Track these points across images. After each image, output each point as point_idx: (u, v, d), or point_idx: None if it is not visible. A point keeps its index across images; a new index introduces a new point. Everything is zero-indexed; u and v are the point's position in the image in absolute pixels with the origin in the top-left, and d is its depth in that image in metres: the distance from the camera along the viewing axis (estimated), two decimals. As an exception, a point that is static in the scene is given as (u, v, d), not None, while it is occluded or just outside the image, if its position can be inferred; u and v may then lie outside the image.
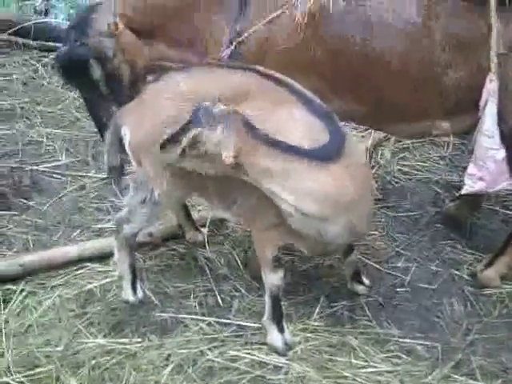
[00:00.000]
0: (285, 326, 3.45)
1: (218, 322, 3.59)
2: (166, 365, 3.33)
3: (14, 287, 3.76)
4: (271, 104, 3.22)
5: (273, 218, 3.22)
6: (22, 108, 5.50)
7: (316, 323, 3.59)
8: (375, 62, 3.55)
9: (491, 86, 3.46)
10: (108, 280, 3.82)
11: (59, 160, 4.92)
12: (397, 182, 4.78)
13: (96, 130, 4.63)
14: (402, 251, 4.13)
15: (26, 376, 3.26)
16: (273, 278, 3.38)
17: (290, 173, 3.03)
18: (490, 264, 3.85)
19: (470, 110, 3.56)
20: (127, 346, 3.42)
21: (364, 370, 3.32)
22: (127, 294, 3.67)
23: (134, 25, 3.71)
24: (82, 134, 5.21)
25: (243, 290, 3.80)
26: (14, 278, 3.80)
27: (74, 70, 3.70)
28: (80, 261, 3.93)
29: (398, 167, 4.93)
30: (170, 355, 3.38)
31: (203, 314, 3.64)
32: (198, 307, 3.68)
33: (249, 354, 3.40)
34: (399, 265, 4.02)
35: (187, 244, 4.11)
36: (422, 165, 4.97)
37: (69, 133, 5.23)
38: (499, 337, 3.54)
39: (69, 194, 4.58)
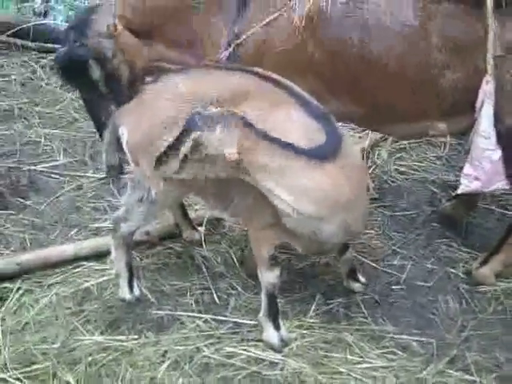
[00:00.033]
0: (281, 323, 3.46)
1: (214, 319, 3.60)
2: (163, 361, 3.35)
3: (11, 285, 3.77)
4: (269, 105, 3.23)
5: (269, 217, 3.24)
6: (20, 109, 5.51)
7: (312, 320, 3.61)
8: (372, 63, 3.57)
9: (487, 87, 3.47)
10: (105, 278, 3.84)
11: (57, 160, 4.93)
12: (393, 182, 4.80)
13: (94, 130, 4.66)
14: (398, 249, 4.15)
15: (22, 373, 3.28)
16: (269, 277, 3.40)
17: (287, 171, 3.06)
18: (485, 262, 3.87)
19: (466, 112, 3.58)
20: (124, 343, 3.44)
21: (359, 366, 3.34)
22: (124, 292, 3.69)
23: (133, 26, 3.73)
24: (80, 134, 5.22)
25: (239, 288, 3.81)
26: (11, 277, 3.81)
27: (73, 71, 3.71)
28: (76, 259, 3.94)
29: (395, 167, 4.95)
30: (166, 352, 3.40)
31: (200, 312, 3.65)
32: (194, 305, 3.70)
33: (245, 350, 3.42)
34: (395, 263, 4.04)
35: (184, 243, 4.12)
36: (419, 165, 4.99)
37: (67, 133, 5.24)
38: (494, 333, 3.56)
39: (66, 193, 4.59)
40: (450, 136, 4.68)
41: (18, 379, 3.25)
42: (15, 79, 5.91)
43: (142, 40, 3.78)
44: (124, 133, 3.42)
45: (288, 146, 3.06)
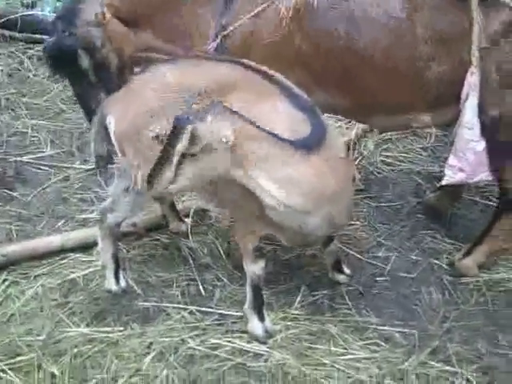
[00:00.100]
0: (265, 315, 3.49)
1: (199, 311, 3.63)
2: (148, 353, 3.38)
3: (-3, 277, 3.80)
4: (256, 96, 3.25)
5: (254, 209, 3.24)
6: (7, 99, 5.51)
7: (297, 312, 3.64)
8: (359, 55, 3.58)
9: (472, 79, 3.50)
10: (91, 270, 3.86)
11: (44, 151, 4.93)
12: (379, 173, 4.82)
13: (82, 121, 4.71)
14: (382, 241, 4.18)
15: (7, 364, 3.30)
16: (254, 268, 3.42)
17: (272, 161, 3.04)
18: (468, 253, 3.90)
19: (451, 103, 3.60)
20: (109, 335, 3.47)
21: (343, 357, 3.38)
22: (110, 284, 3.71)
23: (121, 14, 3.74)
24: (67, 125, 5.22)
25: (225, 280, 3.84)
26: (-4, 268, 3.83)
27: (62, 60, 3.72)
28: (63, 251, 3.96)
29: (381, 158, 4.97)
30: (151, 343, 3.43)
31: (185, 303, 3.68)
32: (180, 296, 3.72)
33: (230, 341, 3.45)
34: (380, 254, 4.07)
35: (171, 234, 4.15)
36: (405, 156, 5.01)
37: (54, 124, 5.24)
38: (475, 324, 3.60)
39: (53, 184, 4.60)
40: (435, 128, 4.70)
41: (2, 371, 3.27)
42: (2, 70, 5.90)
43: (131, 28, 3.79)
44: (111, 122, 3.43)
45: (274, 136, 3.06)
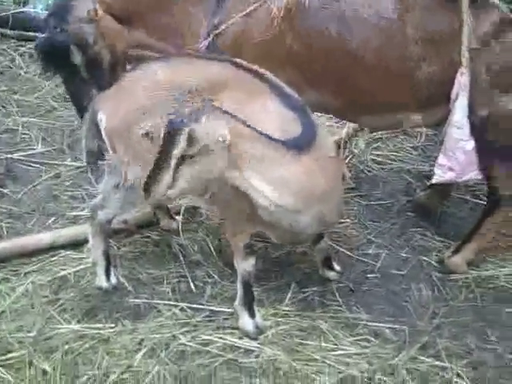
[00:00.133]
0: (256, 311, 3.50)
1: (190, 308, 3.64)
2: (139, 349, 3.38)
3: (-13, 274, 3.79)
4: (247, 95, 3.26)
5: (245, 208, 3.25)
6: (-2, 97, 5.51)
7: (287, 308, 3.65)
8: (350, 55, 3.61)
9: (462, 79, 3.53)
10: (82, 267, 3.86)
11: (35, 148, 4.92)
12: (370, 172, 4.85)
13: (73, 118, 4.71)
14: (373, 238, 4.20)
15: (-2, 361, 3.31)
16: (244, 265, 3.43)
17: (264, 161, 3.05)
18: (457, 251, 3.93)
19: (441, 103, 3.63)
20: (100, 331, 3.47)
21: (333, 353, 3.40)
22: (101, 280, 3.71)
23: (114, 11, 3.75)
24: (59, 123, 5.21)
25: (216, 276, 3.85)
26: (-13, 265, 3.83)
27: (54, 57, 3.72)
28: (54, 248, 3.96)
29: (372, 157, 4.99)
30: (142, 340, 3.43)
31: (176, 300, 3.69)
32: (171, 293, 3.73)
33: (221, 338, 3.46)
34: (370, 252, 4.09)
35: (161, 231, 4.15)
36: (395, 155, 5.04)
37: (45, 122, 5.23)
38: (464, 320, 3.63)
39: (44, 182, 4.59)
40: (426, 127, 4.73)
41: (-7, 367, 3.28)
42: (-7, 67, 5.91)
43: (123, 25, 3.80)
44: (102, 118, 3.44)
45: (266, 137, 3.07)
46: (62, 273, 3.81)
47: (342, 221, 4.22)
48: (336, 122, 5.16)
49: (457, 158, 3.65)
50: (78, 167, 4.70)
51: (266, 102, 3.26)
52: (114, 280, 3.73)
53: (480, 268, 3.96)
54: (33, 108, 5.40)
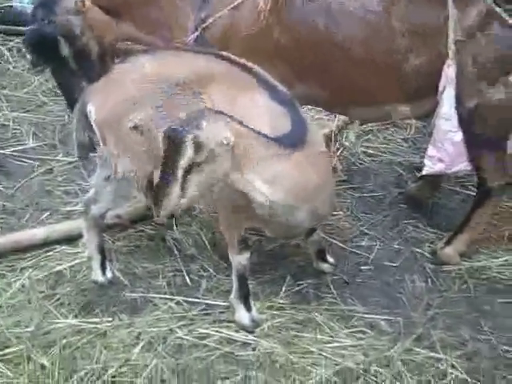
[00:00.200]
0: (252, 304, 3.53)
1: (186, 301, 3.65)
2: (137, 343, 3.39)
3: (-17, 269, 3.79)
4: (236, 89, 3.28)
5: (240, 203, 3.25)
6: (-13, 92, 5.48)
7: (282, 301, 3.68)
8: (337, 48, 3.63)
9: (449, 71, 3.56)
10: (77, 261, 3.86)
11: (26, 144, 4.90)
12: (361, 164, 4.87)
13: (63, 113, 4.69)
14: (365, 230, 4.23)
15: (-3, 356, 3.31)
16: (239, 259, 3.45)
17: (260, 158, 3.06)
18: (449, 242, 3.96)
19: (429, 95, 3.66)
20: (97, 326, 3.48)
21: (329, 345, 3.42)
22: (97, 275, 3.72)
23: (101, 3, 3.75)
24: (49, 117, 5.19)
25: (211, 270, 3.86)
26: (-18, 261, 3.82)
27: (42, 48, 3.71)
28: (48, 243, 3.96)
29: (363, 149, 5.01)
30: (140, 333, 3.45)
31: (172, 294, 3.70)
32: (166, 287, 3.74)
33: (217, 331, 3.48)
34: (363, 244, 4.12)
35: (155, 225, 4.15)
36: (386, 147, 5.06)
37: (36, 117, 5.20)
38: (458, 311, 3.66)
39: (36, 177, 4.58)
40: (415, 119, 4.76)
41: (-9, 362, 3.29)
42: (-19, 62, 5.87)
43: (112, 17, 3.80)
44: (91, 110, 3.44)
45: (262, 135, 3.07)
46: (58, 268, 3.81)
47: (335, 213, 4.25)
48: (326, 115, 5.17)
49: (446, 150, 3.69)
50: (71, 162, 4.68)
51: (255, 96, 3.27)
52: (109, 274, 3.74)
53: (472, 259, 4.00)
54: (23, 103, 5.36)
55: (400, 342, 3.43)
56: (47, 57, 3.78)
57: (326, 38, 3.61)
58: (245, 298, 3.51)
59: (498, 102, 3.61)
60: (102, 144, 3.48)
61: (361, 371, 3.28)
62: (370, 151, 5.00)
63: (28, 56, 5.68)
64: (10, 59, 5.90)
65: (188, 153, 2.85)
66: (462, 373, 3.28)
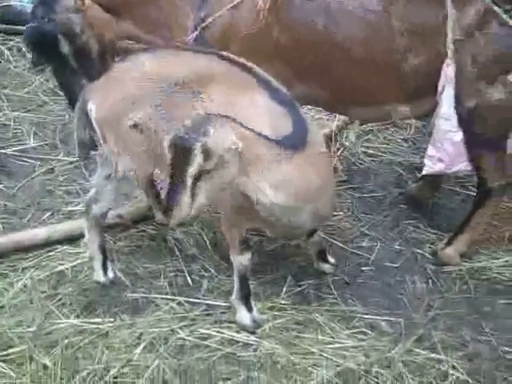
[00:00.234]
0: (253, 305, 3.53)
1: (188, 302, 3.66)
2: (138, 343, 3.40)
3: (-16, 269, 3.80)
4: (235, 89, 3.28)
5: (243, 205, 3.25)
6: (-12, 92, 5.48)
7: (283, 301, 3.68)
8: (336, 47, 3.63)
9: (448, 70, 3.56)
10: (79, 261, 3.87)
11: (27, 143, 4.91)
12: (361, 164, 4.87)
13: (64, 113, 4.69)
14: (366, 231, 4.23)
15: (-1, 356, 3.33)
16: (240, 260, 3.46)
17: (266, 163, 3.06)
18: (449, 242, 3.97)
19: (429, 95, 3.66)
20: (99, 326, 3.48)
21: (330, 346, 3.43)
22: (98, 275, 3.73)
23: (101, 1, 3.76)
24: (50, 117, 5.19)
25: (212, 270, 3.87)
26: (-16, 261, 3.83)
27: (42, 46, 3.72)
28: (50, 243, 3.96)
29: (363, 149, 5.02)
30: (141, 334, 3.45)
31: (173, 294, 3.71)
32: (168, 287, 3.75)
33: (219, 332, 3.49)
34: (364, 244, 4.13)
35: (156, 225, 4.16)
36: (386, 147, 5.06)
37: (36, 116, 5.21)
38: (459, 312, 3.67)
39: (38, 177, 4.59)
40: (415, 119, 4.77)
41: (-6, 362, 3.30)
42: (-18, 62, 5.87)
43: (112, 15, 3.81)
44: (92, 108, 3.45)
45: (265, 138, 3.07)
46: (60, 268, 3.82)
47: (335, 214, 4.25)
48: (326, 115, 5.18)
49: (445, 150, 3.69)
50: (72, 162, 4.69)
51: (255, 96, 3.28)
52: (111, 274, 3.75)
53: (473, 260, 4.00)
54: (23, 103, 5.37)
55: (401, 343, 3.44)
56: (47, 55, 3.79)
57: (325, 37, 3.62)
58: (246, 298, 3.52)
59: (498, 102, 3.62)
60: (102, 142, 3.49)
61: (362, 372, 3.28)
62: (370, 151, 5.01)
63: (28, 55, 5.74)
64: (11, 59, 5.91)
65: (197, 161, 2.84)
66: (463, 374, 3.29)
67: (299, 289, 3.78)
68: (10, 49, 6.01)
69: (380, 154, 4.99)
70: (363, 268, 3.96)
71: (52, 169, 4.67)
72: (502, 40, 3.56)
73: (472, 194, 4.40)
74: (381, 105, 3.81)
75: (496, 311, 3.70)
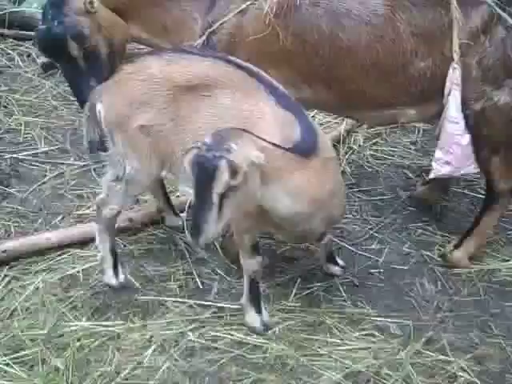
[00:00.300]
0: (262, 307, 3.56)
1: (198, 304, 3.68)
2: (149, 346, 3.43)
3: (-2, 273, 3.83)
4: (241, 94, 3.31)
5: (256, 211, 3.24)
6: (-1, 97, 5.52)
7: (293, 304, 3.71)
8: (343, 51, 3.64)
9: (454, 74, 3.58)
10: (90, 265, 3.90)
11: (38, 148, 4.94)
12: (370, 167, 4.89)
13: (74, 117, 4.72)
14: (375, 234, 4.25)
15: (11, 358, 3.35)
16: (251, 264, 3.47)
17: (282, 172, 3.08)
18: (458, 245, 3.98)
19: (436, 98, 3.68)
20: (110, 328, 3.51)
21: (339, 348, 3.45)
22: (109, 278, 3.75)
23: (110, 4, 3.78)
24: (60, 122, 5.21)
25: (222, 273, 3.89)
26: (-3, 264, 3.87)
27: (52, 48, 3.73)
28: (61, 246, 3.99)
29: (371, 152, 5.03)
30: (152, 336, 3.48)
31: (184, 297, 3.73)
32: (178, 290, 3.78)
33: (229, 334, 3.51)
34: (373, 247, 4.15)
35: (166, 229, 4.19)
36: (394, 150, 5.08)
37: (46, 121, 5.23)
38: (468, 314, 3.69)
39: (48, 181, 4.62)
40: (422, 122, 4.78)
41: (7, 364, 3.32)
42: (-8, 67, 5.91)
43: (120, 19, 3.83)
44: (100, 110, 3.49)
45: (280, 147, 3.08)
46: (71, 271, 3.85)
47: (345, 216, 4.26)
48: (334, 119, 5.21)
49: (453, 153, 3.71)
50: (82, 166, 4.72)
51: (262, 101, 3.29)
52: (121, 277, 3.77)
53: (482, 262, 4.02)
54: (34, 108, 5.39)
55: (410, 345, 3.46)
56: (57, 56, 3.81)
57: (331, 41, 3.63)
58: (256, 301, 3.54)
59: (505, 105, 3.64)
60: (111, 144, 3.52)
61: (371, 374, 3.31)
62: (378, 154, 5.02)
63: (38, 60, 5.79)
64: (21, 64, 5.93)
65: (224, 179, 2.83)
66: (471, 376, 3.31)
67: (308, 291, 3.80)
68: (20, 54, 6.04)
69: (388, 157, 5.00)
70: (372, 270, 3.97)
71: (62, 173, 4.69)
72: (507, 43, 3.58)
73: (480, 196, 4.41)
74: (388, 108, 3.83)
75: (505, 313, 3.71)
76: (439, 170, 3.78)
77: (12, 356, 3.36)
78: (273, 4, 3.61)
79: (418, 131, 5.23)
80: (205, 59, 3.45)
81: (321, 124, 5.10)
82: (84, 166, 4.72)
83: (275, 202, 3.12)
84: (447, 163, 3.74)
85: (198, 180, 2.90)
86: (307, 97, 3.72)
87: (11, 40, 6.21)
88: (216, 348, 3.45)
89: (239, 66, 3.39)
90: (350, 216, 4.36)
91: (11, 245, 3.92)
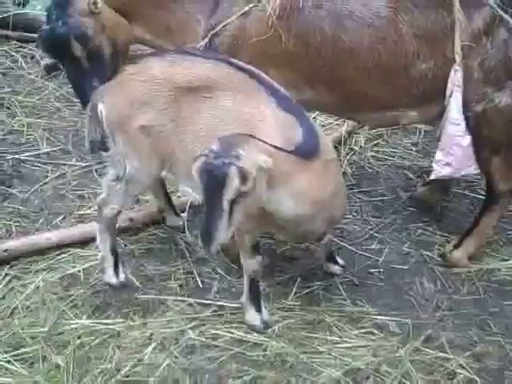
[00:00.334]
0: (262, 306, 3.57)
1: (198, 303, 3.70)
2: (149, 343, 3.44)
3: (-1, 271, 3.85)
4: (243, 96, 3.32)
5: (258, 212, 3.24)
6: (2, 98, 5.51)
7: (293, 302, 3.72)
8: (345, 53, 3.66)
9: (456, 76, 3.60)
10: (90, 264, 3.91)
11: (40, 149, 4.96)
12: (370, 168, 4.91)
13: (76, 119, 4.73)
14: (375, 234, 4.27)
15: (12, 356, 3.36)
16: (251, 263, 3.49)
17: (285, 174, 3.10)
18: (458, 245, 4.00)
19: (437, 99, 3.70)
20: (110, 326, 3.53)
21: (339, 346, 3.46)
22: (110, 277, 3.77)
23: (113, 5, 3.79)
24: (63, 123, 5.24)
25: (222, 272, 3.91)
26: (-2, 263, 3.89)
27: (56, 49, 3.75)
28: (62, 246, 4.01)
29: (372, 153, 5.05)
30: (152, 334, 3.49)
31: (184, 295, 3.74)
32: (178, 289, 3.79)
33: (229, 332, 3.52)
34: (373, 246, 4.16)
35: (167, 229, 4.21)
36: (395, 151, 5.10)
37: (49, 122, 5.26)
38: (467, 313, 3.70)
39: (50, 181, 4.64)
40: (423, 123, 4.79)
41: (8, 362, 3.34)
42: (-4, 69, 5.94)
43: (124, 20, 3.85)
44: (102, 110, 3.51)
45: (282, 150, 3.09)
46: (72, 270, 3.87)
47: (345, 216, 4.27)
48: (335, 120, 5.23)
49: (453, 154, 3.72)
50: (83, 167, 4.75)
51: (263, 103, 3.30)
52: (122, 276, 3.78)
53: (481, 261, 4.03)
54: (36, 109, 5.42)
55: (409, 343, 3.47)
56: (61, 56, 3.83)
57: (334, 43, 3.65)
58: (256, 299, 3.55)
59: (506, 107, 3.65)
60: (112, 143, 3.54)
61: (370, 371, 3.32)
62: (379, 155, 5.04)
63: (42, 62, 5.81)
64: (24, 66, 5.97)
65: (234, 185, 2.84)
66: (470, 373, 3.32)
67: (308, 290, 3.81)
68: (23, 56, 6.08)
69: (389, 158, 5.02)
70: (372, 270, 3.99)
71: (64, 174, 4.71)
72: (509, 45, 3.59)
73: (481, 197, 4.42)
74: (389, 110, 3.84)
75: (504, 312, 3.72)
76: (440, 171, 3.79)
77: (13, 353, 3.38)
78: (276, 6, 3.62)
79: (419, 132, 5.25)
80: (207, 61, 3.46)
81: (322, 125, 5.14)
82: (85, 166, 4.74)
83: (279, 205, 3.13)
84: (448, 164, 3.76)
85: (207, 188, 2.90)
86: (309, 98, 3.74)
87: (15, 42, 6.27)
88: (216, 346, 3.46)
89: (240, 68, 3.41)
90: (351, 216, 4.38)
91: (12, 244, 3.94)
